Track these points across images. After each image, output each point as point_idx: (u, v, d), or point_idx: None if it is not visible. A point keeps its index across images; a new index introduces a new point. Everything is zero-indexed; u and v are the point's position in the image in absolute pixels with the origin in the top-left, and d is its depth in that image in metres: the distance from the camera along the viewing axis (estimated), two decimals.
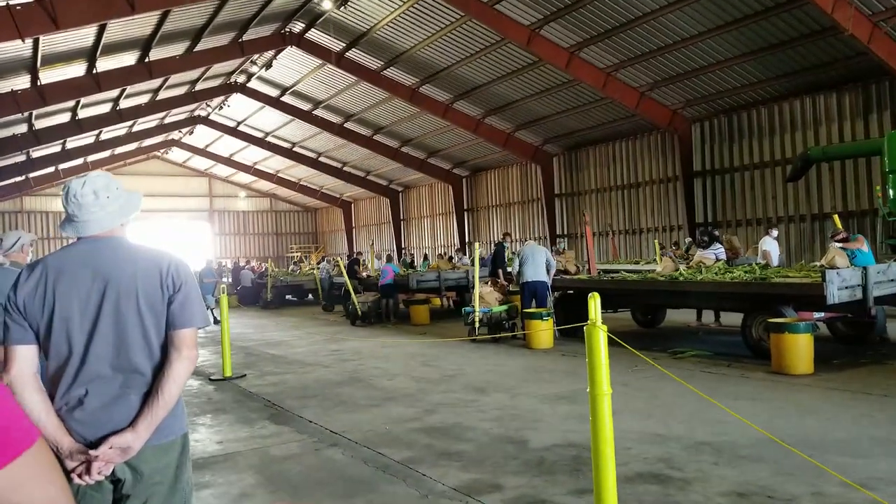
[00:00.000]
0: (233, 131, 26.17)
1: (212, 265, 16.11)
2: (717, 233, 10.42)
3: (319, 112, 22.23)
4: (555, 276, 9.62)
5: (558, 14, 13.28)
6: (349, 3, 14.77)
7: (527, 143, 20.30)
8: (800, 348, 6.20)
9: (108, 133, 23.50)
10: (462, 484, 3.65)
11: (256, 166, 31.09)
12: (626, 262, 14.96)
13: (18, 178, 25.37)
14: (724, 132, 15.97)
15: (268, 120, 24.28)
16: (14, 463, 0.75)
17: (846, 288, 6.52)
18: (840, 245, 7.67)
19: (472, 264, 14.21)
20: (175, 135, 28.67)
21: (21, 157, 22.40)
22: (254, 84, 21.60)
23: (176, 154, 32.38)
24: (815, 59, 12.99)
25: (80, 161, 26.03)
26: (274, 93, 21.81)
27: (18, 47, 12.23)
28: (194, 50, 16.45)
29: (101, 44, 13.79)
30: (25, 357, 1.75)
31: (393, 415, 5.39)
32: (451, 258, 18.07)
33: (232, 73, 20.76)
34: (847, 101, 13.58)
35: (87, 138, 23.00)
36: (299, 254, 33.37)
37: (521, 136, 20.06)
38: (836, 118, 13.78)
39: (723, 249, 10.07)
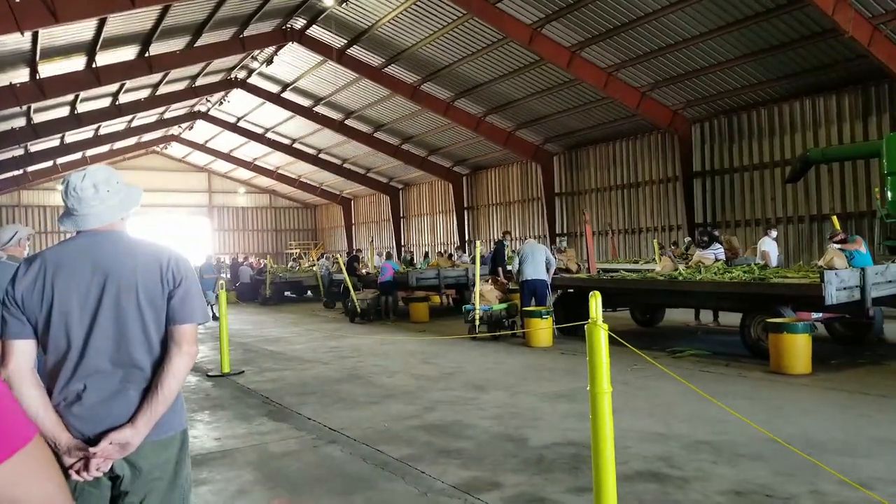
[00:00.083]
0: (233, 127, 26.13)
1: (211, 261, 16.08)
2: (716, 233, 10.43)
3: (320, 109, 22.19)
4: (556, 274, 9.62)
5: (560, 13, 13.26)
6: (351, 0, 14.74)
7: (527, 141, 20.29)
8: (798, 348, 6.21)
9: (108, 128, 23.44)
10: (461, 481, 3.65)
11: (256, 162, 31.04)
12: (626, 262, 14.97)
13: (16, 172, 25.31)
14: (724, 133, 15.98)
15: (268, 116, 24.23)
16: (10, 460, 0.75)
17: (844, 289, 6.54)
18: (838, 246, 7.69)
19: (473, 262, 14.20)
20: (175, 130, 28.62)
21: (19, 151, 22.33)
22: (254, 80, 21.56)
23: (175, 149, 32.33)
24: (816, 61, 13.00)
25: (78, 155, 25.97)
26: (274, 89, 21.77)
27: (17, 40, 12.18)
28: (195, 45, 16.41)
29: (101, 38, 13.75)
30: (23, 352, 1.74)
31: (392, 412, 5.39)
32: (451, 256, 18.06)
33: (232, 68, 20.71)
34: (847, 103, 13.59)
35: (86, 132, 22.95)
36: (298, 250, 33.35)
37: (521, 135, 20.05)
38: (835, 120, 13.79)
39: (722, 250, 10.08)
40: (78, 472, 1.66)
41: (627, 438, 4.19)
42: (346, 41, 17.01)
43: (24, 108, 16.63)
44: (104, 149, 27.01)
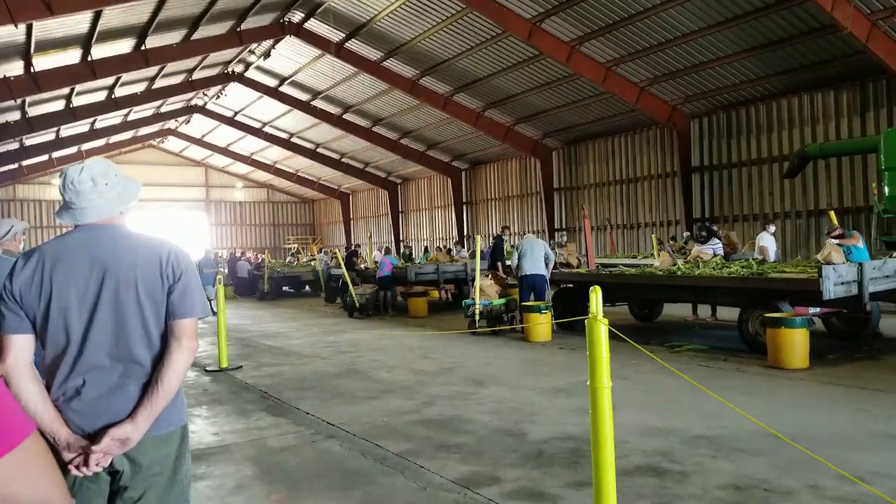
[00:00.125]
0: (230, 121, 26.00)
1: (210, 255, 16.03)
2: (715, 228, 10.44)
3: (318, 103, 22.09)
4: (557, 269, 9.62)
5: (559, 8, 13.21)
6: None
7: (526, 136, 20.26)
8: (796, 343, 6.23)
9: (103, 121, 23.31)
10: (461, 476, 3.65)
11: (254, 156, 30.92)
12: (624, 257, 14.99)
13: (11, 166, 25.18)
14: (723, 128, 15.98)
15: (266, 110, 24.12)
16: (6, 457, 0.74)
17: (842, 284, 6.56)
18: (836, 241, 7.72)
19: (471, 257, 14.18)
20: (171, 124, 28.47)
21: (14, 145, 22.21)
22: (252, 73, 21.44)
23: (172, 143, 32.17)
24: (814, 57, 12.99)
25: (74, 149, 25.83)
26: (272, 83, 21.65)
27: (11, 33, 12.08)
28: (192, 38, 16.29)
29: (97, 31, 13.64)
30: (21, 346, 1.72)
31: (391, 407, 5.39)
32: (449, 251, 18.05)
33: (230, 62, 20.59)
34: (844, 98, 13.60)
35: (81, 126, 22.81)
36: (296, 245, 33.30)
37: (520, 130, 20.01)
38: (833, 116, 13.80)
39: (720, 245, 10.11)
40: (77, 468, 1.65)
41: (626, 433, 4.20)
42: (344, 35, 16.91)
43: (19, 101, 16.51)
44: (100, 143, 26.86)
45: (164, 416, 1.76)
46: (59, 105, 19.06)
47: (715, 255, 9.38)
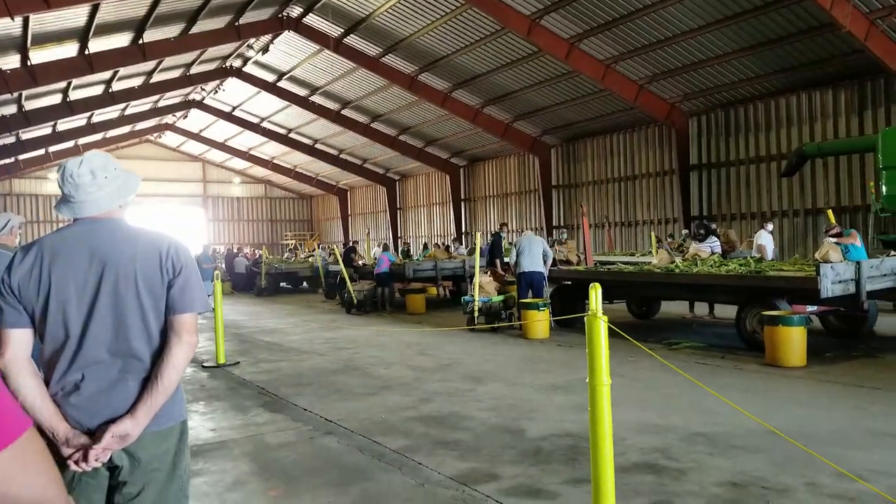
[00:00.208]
0: (228, 116, 25.91)
1: (209, 251, 15.99)
2: (713, 226, 10.45)
3: (316, 98, 22.02)
4: (556, 266, 9.62)
5: (559, 4, 13.18)
6: None
7: (525, 133, 20.23)
8: (793, 341, 6.25)
9: (101, 116, 23.20)
10: (459, 473, 3.65)
11: (251, 152, 30.83)
12: (622, 254, 15.01)
13: (8, 161, 25.06)
14: (721, 126, 15.99)
15: (264, 105, 24.04)
16: (2, 453, 0.74)
17: (840, 282, 6.57)
18: (834, 240, 7.74)
19: (469, 254, 14.17)
20: (169, 119, 28.36)
21: (10, 139, 22.09)
22: (250, 68, 21.35)
23: (169, 138, 32.06)
24: (813, 56, 13.00)
25: (71, 144, 25.71)
26: (270, 78, 21.57)
27: (8, 25, 12.00)
28: (189, 32, 16.22)
29: (94, 24, 13.56)
30: (20, 341, 1.71)
31: (389, 403, 5.39)
32: (448, 247, 18.06)
33: (228, 56, 20.50)
34: (843, 97, 13.61)
35: (78, 120, 22.71)
36: (294, 241, 33.24)
37: (519, 127, 19.98)
38: (831, 114, 13.82)
39: (718, 243, 10.12)
40: (77, 463, 1.64)
41: (624, 430, 4.20)
42: (343, 30, 16.84)
43: (15, 95, 16.42)
44: (97, 137, 26.74)
45: (163, 412, 1.75)
46: (55, 99, 18.96)
47: (713, 253, 9.40)
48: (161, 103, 24.63)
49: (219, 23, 16.45)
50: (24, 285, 1.72)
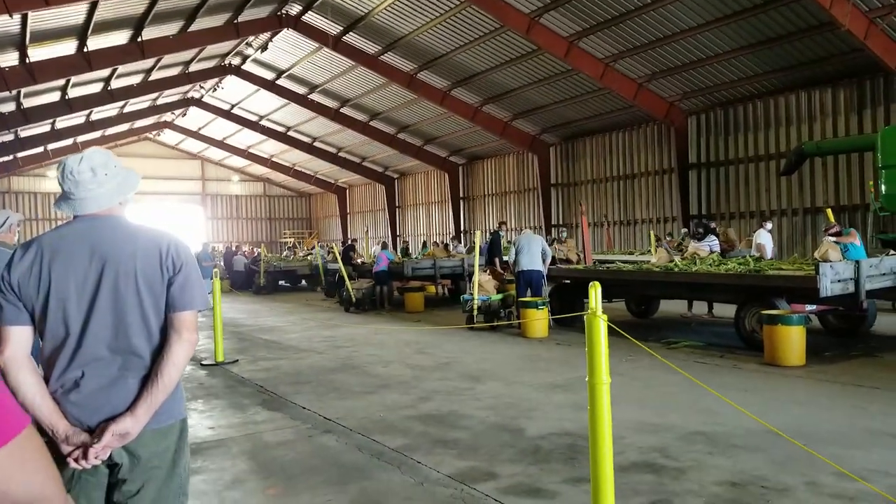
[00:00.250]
0: (226, 114, 25.87)
1: (208, 248, 15.98)
2: (712, 225, 10.45)
3: (315, 96, 21.99)
4: (556, 264, 9.62)
5: (558, 2, 13.16)
6: None
7: (524, 132, 20.22)
8: (792, 340, 6.25)
9: (99, 113, 23.15)
10: (457, 472, 3.65)
11: (250, 150, 30.79)
12: (621, 253, 15.01)
13: (6, 158, 24.99)
14: (720, 125, 15.99)
15: (262, 103, 24.00)
16: (0, 451, 0.74)
17: (839, 281, 6.58)
18: (833, 239, 7.74)
19: (468, 252, 14.16)
20: (167, 116, 28.31)
21: (9, 137, 22.03)
22: (249, 66, 21.31)
23: (168, 136, 32.00)
24: (812, 54, 13.00)
25: (69, 141, 25.65)
26: (269, 76, 21.53)
27: (6, 23, 11.96)
28: (188, 30, 16.18)
29: (93, 21, 13.52)
30: (20, 338, 1.70)
31: (388, 402, 5.39)
32: (446, 246, 18.05)
33: (226, 54, 20.46)
34: (842, 96, 13.62)
35: (77, 118, 22.66)
36: (293, 239, 33.22)
37: (518, 125, 19.97)
38: (830, 113, 13.83)
39: (717, 241, 10.13)
40: (76, 461, 1.64)
41: (623, 429, 4.20)
42: (341, 28, 16.81)
43: (14, 92, 16.37)
44: (96, 135, 26.68)
45: (163, 410, 1.74)
46: (54, 96, 18.91)
47: (712, 252, 9.40)
48: (160, 101, 24.58)
49: (218, 20, 16.40)
50: (23, 282, 1.71)
